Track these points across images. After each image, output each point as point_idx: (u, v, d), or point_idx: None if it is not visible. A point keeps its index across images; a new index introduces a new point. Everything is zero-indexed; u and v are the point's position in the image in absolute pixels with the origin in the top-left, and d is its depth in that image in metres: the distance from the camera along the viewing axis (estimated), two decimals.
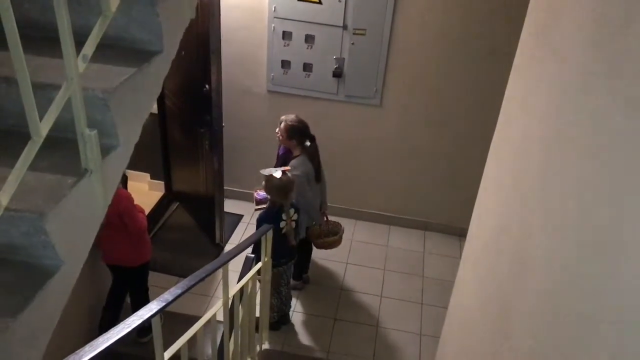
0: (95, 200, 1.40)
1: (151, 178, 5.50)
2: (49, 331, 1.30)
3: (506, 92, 2.24)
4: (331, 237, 4.27)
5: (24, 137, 1.19)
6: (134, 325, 1.64)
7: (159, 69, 1.65)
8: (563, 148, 1.53)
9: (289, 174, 3.71)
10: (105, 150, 1.42)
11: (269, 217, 3.66)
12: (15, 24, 1.06)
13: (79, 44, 1.29)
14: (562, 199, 1.49)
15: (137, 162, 5.07)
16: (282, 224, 3.68)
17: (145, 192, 5.39)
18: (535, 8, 1.99)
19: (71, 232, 1.33)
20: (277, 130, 4.19)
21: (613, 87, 1.25)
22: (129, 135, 1.53)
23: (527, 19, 2.08)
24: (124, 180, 4.55)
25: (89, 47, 1.28)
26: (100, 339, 1.52)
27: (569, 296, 1.35)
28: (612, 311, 1.12)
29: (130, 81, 1.49)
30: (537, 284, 1.58)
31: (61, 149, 1.41)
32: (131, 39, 1.61)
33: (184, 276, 2.35)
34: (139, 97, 1.56)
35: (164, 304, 1.84)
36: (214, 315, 2.57)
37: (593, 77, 1.37)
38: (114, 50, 1.58)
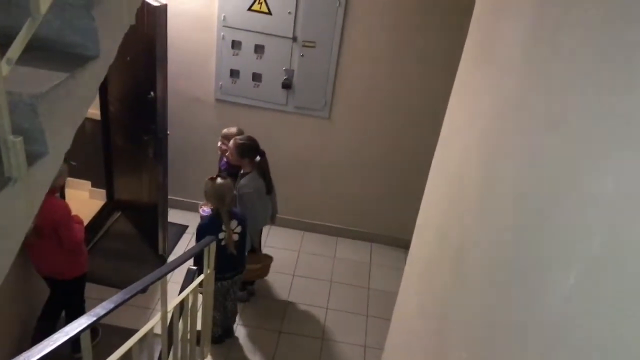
0: (18, 210, 1.32)
1: (92, 186, 5.31)
2: None
3: (448, 104, 2.29)
4: (254, 265, 4.23)
5: None
6: (59, 342, 1.56)
7: (94, 74, 1.59)
8: (500, 162, 1.57)
9: (239, 189, 3.68)
10: (32, 158, 1.35)
11: (208, 225, 3.59)
12: None
13: (8, 45, 1.23)
14: (498, 212, 1.53)
15: (78, 170, 4.89)
16: (222, 235, 3.61)
17: (86, 200, 5.20)
18: (476, 27, 2.05)
19: None
20: (219, 144, 4.16)
21: (540, 102, 1.29)
22: (59, 142, 1.46)
23: (468, 36, 2.14)
24: (62, 187, 4.39)
25: (15, 51, 1.22)
26: (21, 357, 1.43)
27: (502, 310, 1.38)
28: (542, 325, 1.14)
29: (61, 86, 1.42)
30: (472, 297, 1.61)
31: None
32: (65, 43, 1.54)
33: (124, 288, 2.28)
34: (71, 103, 1.50)
35: (94, 318, 1.76)
36: (151, 330, 2.48)
37: (527, 91, 1.42)
38: (46, 53, 1.51)
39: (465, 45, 2.16)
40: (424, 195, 2.59)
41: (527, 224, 1.30)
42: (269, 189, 4.08)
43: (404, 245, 5.19)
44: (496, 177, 1.58)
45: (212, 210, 3.72)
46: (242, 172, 4.00)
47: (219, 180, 3.58)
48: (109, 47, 1.64)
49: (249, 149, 3.91)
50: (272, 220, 4.35)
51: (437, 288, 2.04)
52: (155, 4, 3.83)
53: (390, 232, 5.34)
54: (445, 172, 2.26)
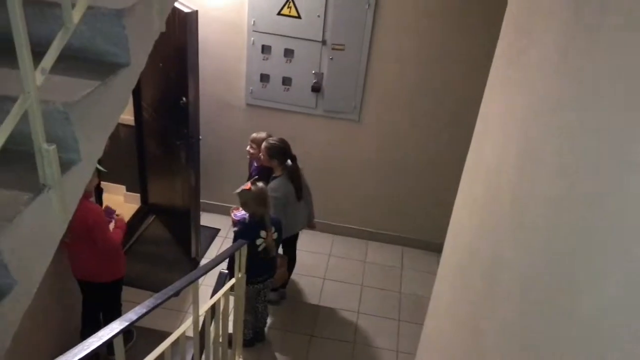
0: (53, 217, 1.35)
1: (127, 190, 5.41)
2: None
3: (480, 112, 2.25)
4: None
5: None
6: (93, 347, 1.59)
7: (126, 82, 1.62)
8: (533, 168, 1.53)
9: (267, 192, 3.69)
10: (66, 165, 1.37)
11: (247, 231, 3.61)
12: None
13: (43, 55, 1.26)
14: (532, 219, 1.48)
15: (113, 174, 4.99)
16: (259, 241, 3.62)
17: (121, 204, 5.30)
18: (508, 30, 2.01)
19: (26, 250, 1.28)
20: (248, 147, 4.18)
21: (576, 105, 1.25)
22: (92, 149, 1.49)
23: (500, 39, 2.09)
24: (99, 192, 4.49)
25: (48, 60, 1.24)
26: None
27: (536, 321, 1.34)
28: (576, 341, 1.10)
29: (94, 94, 1.45)
30: (506, 305, 1.57)
31: (20, 163, 1.36)
32: (97, 51, 1.57)
33: (158, 291, 2.30)
34: (103, 110, 1.52)
35: (127, 323, 1.79)
36: (184, 333, 2.50)
37: (560, 98, 1.37)
38: (79, 62, 1.54)
39: (498, 46, 2.11)
40: (455, 205, 2.54)
41: (561, 235, 1.26)
42: (299, 195, 4.07)
43: (436, 249, 5.12)
44: (530, 184, 1.54)
45: (249, 216, 3.72)
46: (273, 175, 4.02)
47: (254, 187, 3.59)
48: (139, 54, 1.66)
49: (279, 150, 3.92)
50: (310, 225, 4.36)
51: (469, 298, 2.00)
52: (187, 10, 3.89)
53: (422, 235, 5.27)
54: (476, 181, 2.22)
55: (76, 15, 1.32)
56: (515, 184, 1.67)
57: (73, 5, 1.33)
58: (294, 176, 3.99)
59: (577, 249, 1.17)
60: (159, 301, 2.07)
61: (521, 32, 1.84)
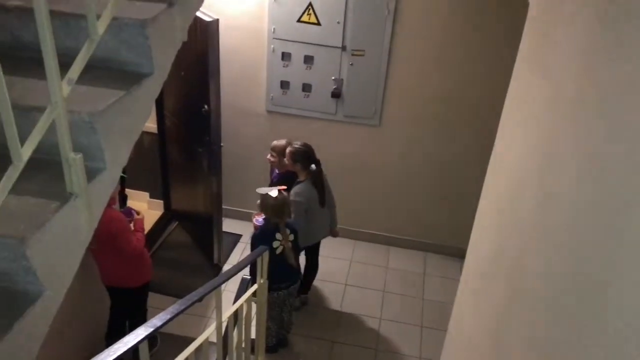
0: (80, 224, 1.37)
1: (150, 197, 5.49)
2: None
3: (502, 116, 2.23)
4: None
5: (10, 161, 1.17)
6: (119, 352, 1.61)
7: (149, 91, 1.64)
8: (558, 173, 1.51)
9: (290, 196, 3.69)
10: (92, 174, 1.40)
11: (263, 236, 3.62)
12: None
13: (70, 66, 1.28)
14: (557, 224, 1.46)
15: (137, 181, 5.07)
16: (276, 244, 3.64)
17: (144, 210, 5.36)
18: (529, 33, 1.99)
19: (54, 257, 1.31)
20: (268, 156, 4.19)
21: (603, 112, 1.23)
22: (117, 158, 1.51)
23: (522, 43, 2.07)
24: (123, 199, 4.56)
25: (75, 71, 1.27)
26: None
27: (559, 327, 1.31)
28: (602, 344, 1.08)
29: (118, 104, 1.47)
30: (529, 311, 1.54)
31: (47, 171, 1.39)
32: (121, 61, 1.60)
33: (181, 297, 2.33)
34: (127, 119, 1.55)
35: (151, 329, 1.81)
36: (207, 339, 2.52)
37: (584, 103, 1.35)
38: (103, 72, 1.57)
39: (519, 50, 2.09)
40: (478, 210, 2.52)
41: (587, 239, 1.24)
42: (322, 201, 4.07)
43: (459, 254, 5.07)
44: (554, 187, 1.52)
45: (264, 219, 3.75)
46: (297, 180, 4.03)
47: (279, 195, 3.60)
48: (162, 64, 1.69)
49: (302, 154, 3.93)
50: (332, 232, 4.35)
51: (493, 304, 1.98)
52: (208, 19, 3.93)
53: (444, 241, 5.23)
54: (499, 185, 2.19)
55: (101, 27, 1.35)
56: (539, 188, 1.65)
57: (98, 17, 1.36)
58: (318, 181, 3.99)
59: (605, 254, 1.15)
60: (183, 307, 2.09)
61: (543, 36, 1.82)
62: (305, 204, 3.92)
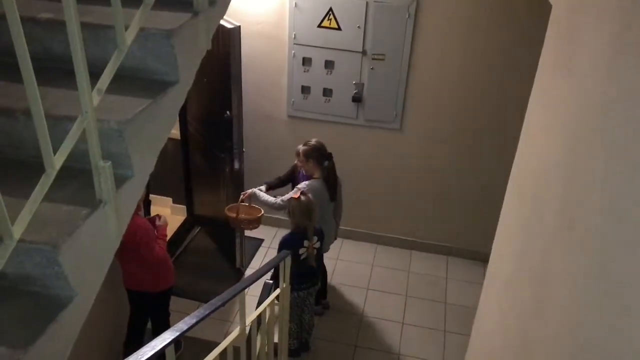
0: (109, 231, 1.41)
1: (173, 202, 5.55)
2: None
3: (525, 120, 2.21)
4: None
5: (43, 169, 1.20)
6: (146, 356, 1.64)
7: (175, 99, 1.68)
8: (582, 174, 1.49)
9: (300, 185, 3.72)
10: (120, 181, 1.43)
11: (292, 241, 3.65)
12: (28, 57, 1.07)
13: (98, 75, 1.32)
14: (582, 226, 1.45)
15: (160, 187, 5.14)
16: (302, 250, 3.65)
17: (168, 216, 5.43)
18: (553, 35, 1.97)
19: (84, 263, 1.34)
20: (295, 162, 4.19)
21: (630, 115, 1.22)
22: (144, 165, 1.54)
23: (545, 45, 2.06)
24: (147, 204, 4.63)
25: (104, 82, 1.30)
26: None
27: (588, 332, 1.30)
28: (636, 353, 1.07)
29: (145, 112, 1.51)
30: (556, 315, 1.53)
31: (78, 179, 1.42)
32: (147, 71, 1.64)
33: (204, 301, 2.36)
34: (154, 127, 1.58)
35: (177, 333, 1.84)
36: (230, 343, 2.55)
37: (611, 103, 1.34)
38: (130, 81, 1.61)
39: (543, 52, 2.07)
40: (501, 213, 2.50)
41: (614, 241, 1.22)
42: (333, 194, 4.05)
43: (482, 258, 5.03)
44: (579, 190, 1.50)
45: (294, 227, 3.75)
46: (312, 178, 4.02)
47: (303, 198, 3.62)
48: (187, 72, 1.72)
49: (313, 150, 3.93)
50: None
51: (518, 308, 1.96)
52: (229, 26, 3.98)
53: (467, 245, 5.19)
54: (523, 187, 2.18)
55: (129, 37, 1.39)
56: (564, 190, 1.63)
57: (126, 28, 1.39)
58: (330, 174, 3.99)
59: (631, 256, 1.14)
60: (207, 312, 2.11)
61: (567, 37, 1.80)
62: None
